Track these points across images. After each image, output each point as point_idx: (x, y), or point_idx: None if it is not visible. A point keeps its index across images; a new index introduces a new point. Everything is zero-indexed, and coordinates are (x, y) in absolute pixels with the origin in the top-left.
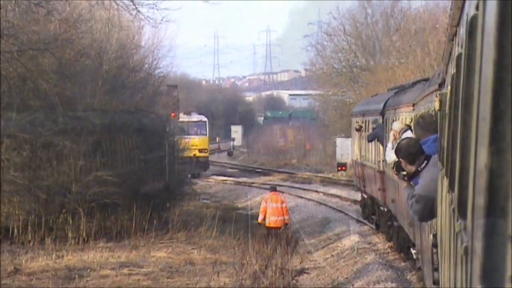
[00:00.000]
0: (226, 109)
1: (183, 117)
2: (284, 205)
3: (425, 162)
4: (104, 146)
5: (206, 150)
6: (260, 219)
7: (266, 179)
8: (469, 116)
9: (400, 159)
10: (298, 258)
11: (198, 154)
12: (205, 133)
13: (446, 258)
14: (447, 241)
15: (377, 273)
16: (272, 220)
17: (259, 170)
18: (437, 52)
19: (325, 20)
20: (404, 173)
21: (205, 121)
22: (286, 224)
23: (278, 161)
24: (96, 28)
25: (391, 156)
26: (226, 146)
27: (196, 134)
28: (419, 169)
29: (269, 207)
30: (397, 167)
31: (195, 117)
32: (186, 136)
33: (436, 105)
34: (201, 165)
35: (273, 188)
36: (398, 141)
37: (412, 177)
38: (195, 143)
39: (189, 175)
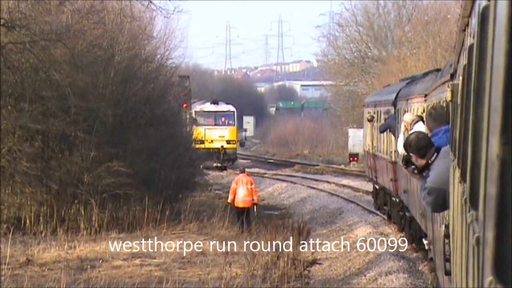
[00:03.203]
0: (238, 99)
1: (209, 107)
2: (253, 186)
3: (435, 154)
4: (116, 136)
5: (234, 142)
6: (229, 199)
7: (278, 170)
8: (480, 106)
9: (410, 154)
10: (310, 248)
11: (225, 145)
12: (233, 123)
13: (458, 248)
14: (459, 232)
15: (389, 263)
16: (241, 200)
17: (271, 160)
18: (449, 43)
19: (337, 10)
20: (413, 166)
21: (234, 111)
22: (255, 204)
23: (290, 151)
24: (108, 18)
25: (403, 148)
26: (238, 137)
27: (224, 124)
28: (429, 161)
29: (239, 188)
30: (406, 161)
31: (223, 107)
32: (213, 127)
33: (448, 95)
34: (229, 158)
35: (242, 170)
36: (409, 132)
37: (422, 170)
38: (223, 134)
39: (201, 166)
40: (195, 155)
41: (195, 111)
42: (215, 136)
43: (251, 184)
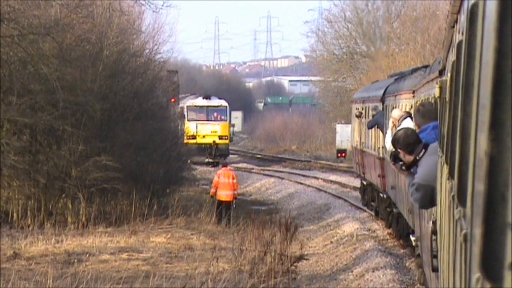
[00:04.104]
0: (226, 94)
1: (202, 102)
2: (234, 180)
3: (423, 150)
4: (104, 131)
5: (227, 137)
6: (212, 192)
7: (266, 165)
8: (469, 103)
9: (398, 150)
10: (298, 244)
11: (218, 141)
12: (226, 118)
13: (445, 245)
14: (447, 228)
15: (376, 259)
16: (223, 194)
17: (259, 156)
18: (438, 39)
19: (325, 6)
20: (401, 163)
21: (226, 106)
22: (235, 198)
23: (277, 147)
24: (97, 13)
25: (391, 144)
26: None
27: (216, 119)
28: (417, 158)
29: (220, 182)
30: (394, 157)
31: (216, 102)
32: (205, 122)
33: (436, 92)
34: (221, 153)
35: (224, 164)
36: (397, 128)
37: (410, 166)
38: (215, 129)
39: (189, 161)
40: (183, 150)
41: (187, 106)
42: (207, 131)
43: (233, 178)
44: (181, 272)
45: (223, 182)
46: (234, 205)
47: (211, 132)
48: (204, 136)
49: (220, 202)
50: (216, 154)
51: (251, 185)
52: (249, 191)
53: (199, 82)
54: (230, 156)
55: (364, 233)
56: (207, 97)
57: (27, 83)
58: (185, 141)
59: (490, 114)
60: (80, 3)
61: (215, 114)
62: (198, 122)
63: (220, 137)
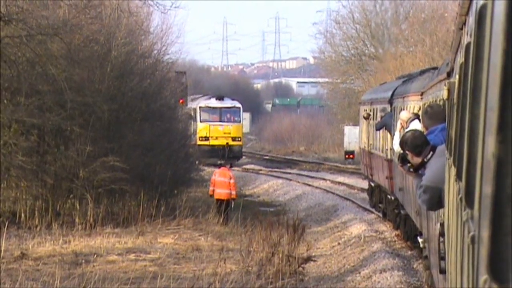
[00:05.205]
0: (234, 96)
1: (215, 103)
2: (231, 180)
3: (431, 152)
4: (112, 131)
5: (240, 139)
6: (210, 190)
7: (274, 167)
8: (477, 105)
9: (406, 152)
10: (305, 245)
11: (231, 142)
12: (239, 120)
13: (453, 247)
14: (454, 230)
15: (383, 261)
16: (218, 192)
17: (267, 157)
18: (446, 41)
19: (334, 7)
20: (409, 165)
21: (239, 107)
22: (233, 199)
23: (286, 148)
24: (105, 13)
25: (398, 146)
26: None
27: (229, 121)
28: (425, 160)
29: (217, 180)
30: (402, 159)
31: (228, 103)
32: (218, 123)
33: (444, 94)
34: (234, 155)
35: (222, 165)
36: (405, 130)
37: (418, 168)
38: (228, 130)
39: (197, 162)
40: (192, 151)
41: (199, 107)
42: (220, 132)
43: (230, 178)
44: (188, 273)
45: (219, 181)
46: (232, 206)
47: (224, 133)
48: (217, 138)
49: (218, 201)
50: (229, 155)
51: (259, 186)
52: (257, 192)
53: (207, 83)
54: None
55: (372, 235)
56: (220, 98)
57: (35, 83)
58: (198, 142)
59: (498, 116)
60: (88, 3)
61: (228, 115)
62: (211, 123)
63: (233, 139)
